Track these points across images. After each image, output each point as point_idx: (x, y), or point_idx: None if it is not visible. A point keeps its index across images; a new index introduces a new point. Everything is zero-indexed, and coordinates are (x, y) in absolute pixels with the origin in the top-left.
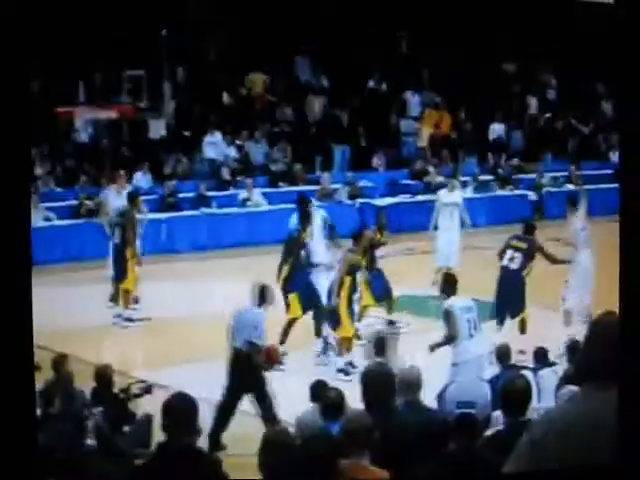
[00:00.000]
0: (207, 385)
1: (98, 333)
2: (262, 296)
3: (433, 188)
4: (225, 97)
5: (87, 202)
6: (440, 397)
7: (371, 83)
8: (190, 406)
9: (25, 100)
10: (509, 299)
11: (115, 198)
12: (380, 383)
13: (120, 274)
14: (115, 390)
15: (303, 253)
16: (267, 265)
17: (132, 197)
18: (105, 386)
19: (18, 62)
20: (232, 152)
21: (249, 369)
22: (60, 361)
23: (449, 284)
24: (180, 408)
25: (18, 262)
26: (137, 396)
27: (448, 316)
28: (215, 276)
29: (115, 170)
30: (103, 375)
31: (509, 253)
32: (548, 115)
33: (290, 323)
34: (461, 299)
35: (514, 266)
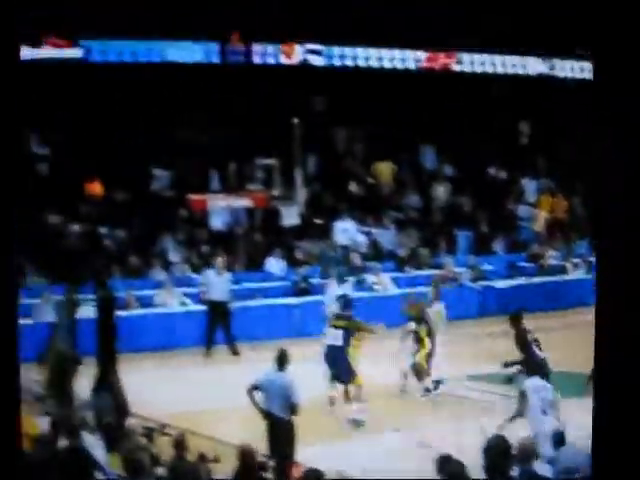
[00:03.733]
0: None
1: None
2: (283, 360)
3: (548, 270)
4: (353, 186)
5: None
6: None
7: (491, 171)
8: None
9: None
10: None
11: (214, 277)
12: (500, 453)
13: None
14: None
15: None
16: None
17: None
18: (250, 466)
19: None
20: (361, 238)
21: (289, 432)
22: (180, 440)
23: None
24: None
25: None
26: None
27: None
28: None
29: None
30: (248, 455)
31: None
32: None
33: None
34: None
35: None
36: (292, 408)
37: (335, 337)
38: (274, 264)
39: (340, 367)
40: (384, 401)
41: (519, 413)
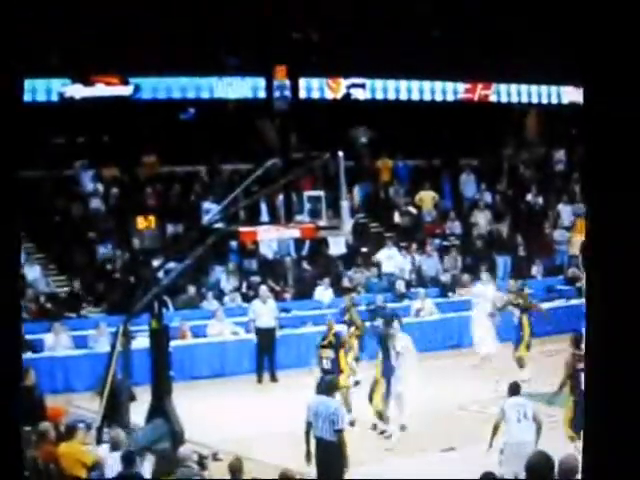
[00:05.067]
0: None
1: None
2: (332, 386)
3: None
4: (397, 215)
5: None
6: None
7: (529, 197)
8: None
9: None
10: None
11: (260, 306)
12: (542, 470)
13: None
14: None
15: None
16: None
17: None
18: None
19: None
20: (407, 265)
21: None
22: (236, 465)
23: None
24: None
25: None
26: None
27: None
28: None
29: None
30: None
31: None
32: None
33: None
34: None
35: None
36: (339, 432)
37: None
38: (323, 292)
39: None
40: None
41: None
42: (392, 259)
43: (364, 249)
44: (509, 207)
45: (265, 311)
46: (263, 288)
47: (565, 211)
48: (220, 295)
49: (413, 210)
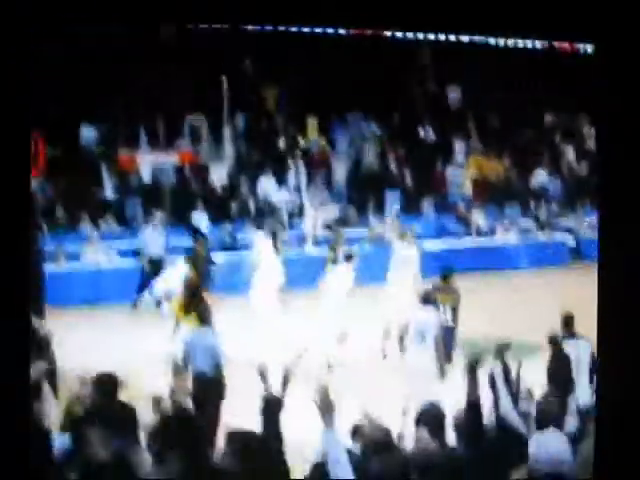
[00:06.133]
0: None
1: None
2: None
3: (477, 232)
4: (281, 142)
5: None
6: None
7: (420, 132)
8: None
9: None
10: None
11: (151, 233)
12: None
13: None
14: None
15: None
16: None
17: None
18: None
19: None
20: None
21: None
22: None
23: None
24: None
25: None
26: None
27: None
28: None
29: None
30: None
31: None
32: (585, 163)
33: None
34: None
35: None
36: (218, 366)
37: None
38: (199, 220)
39: None
40: None
41: None
42: (271, 188)
43: (244, 177)
44: (399, 141)
45: (156, 239)
46: (158, 214)
47: (459, 147)
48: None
49: (301, 141)
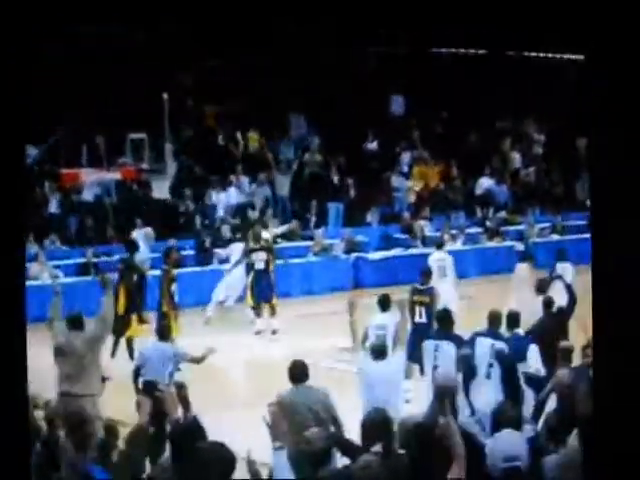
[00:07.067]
0: None
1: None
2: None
3: (423, 242)
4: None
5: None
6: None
7: (365, 141)
8: None
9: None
10: None
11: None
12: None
13: None
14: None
15: None
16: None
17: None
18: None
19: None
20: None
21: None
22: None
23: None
24: None
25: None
26: None
27: None
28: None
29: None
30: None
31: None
32: (532, 169)
33: None
34: None
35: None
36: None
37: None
38: (139, 236)
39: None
40: None
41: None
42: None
43: (188, 191)
44: (342, 150)
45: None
46: (148, 229)
47: (404, 157)
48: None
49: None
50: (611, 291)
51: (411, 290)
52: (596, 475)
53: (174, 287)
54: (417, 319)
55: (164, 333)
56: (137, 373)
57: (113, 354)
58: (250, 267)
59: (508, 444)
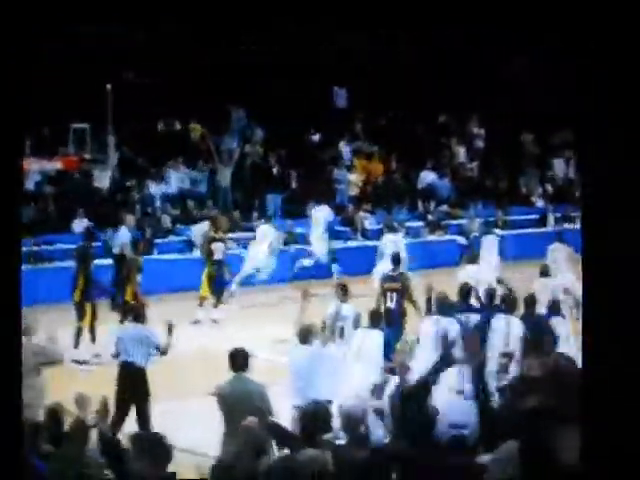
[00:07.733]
0: None
1: None
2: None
3: (363, 234)
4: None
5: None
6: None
7: (306, 133)
8: None
9: None
10: None
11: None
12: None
13: None
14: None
15: None
16: None
17: None
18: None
19: None
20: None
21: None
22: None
23: None
24: None
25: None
26: None
27: None
28: None
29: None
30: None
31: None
32: (475, 163)
33: None
34: None
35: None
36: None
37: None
38: (81, 225)
39: None
40: None
41: None
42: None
43: (129, 183)
44: (283, 143)
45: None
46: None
47: (345, 150)
48: None
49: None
50: (602, 287)
51: (382, 277)
52: (594, 473)
53: (139, 276)
54: (388, 304)
55: (139, 314)
56: (116, 356)
57: (76, 345)
58: (208, 256)
59: (457, 412)
